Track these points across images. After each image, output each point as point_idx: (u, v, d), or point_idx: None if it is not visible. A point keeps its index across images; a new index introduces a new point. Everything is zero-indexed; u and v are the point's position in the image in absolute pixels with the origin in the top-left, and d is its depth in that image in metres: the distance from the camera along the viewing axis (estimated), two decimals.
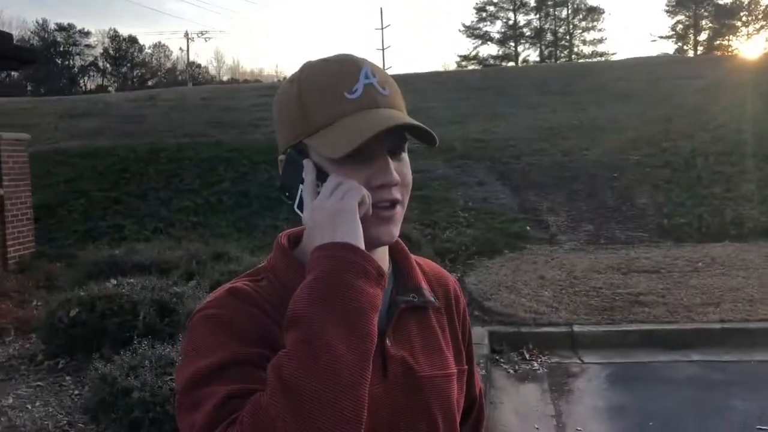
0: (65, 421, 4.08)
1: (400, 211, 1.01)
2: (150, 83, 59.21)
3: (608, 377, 5.28)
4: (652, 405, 4.72)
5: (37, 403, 4.38)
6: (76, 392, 4.54)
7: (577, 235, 9.52)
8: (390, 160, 0.97)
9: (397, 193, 0.99)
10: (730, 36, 55.50)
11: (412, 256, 1.17)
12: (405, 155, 1.02)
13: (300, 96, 0.99)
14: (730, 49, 51.22)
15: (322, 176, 0.96)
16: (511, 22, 60.16)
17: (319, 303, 0.83)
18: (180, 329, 4.66)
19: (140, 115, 17.77)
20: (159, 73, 64.42)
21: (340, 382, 0.79)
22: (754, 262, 7.78)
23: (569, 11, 60.14)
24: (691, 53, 53.66)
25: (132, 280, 5.60)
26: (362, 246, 0.89)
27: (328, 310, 0.82)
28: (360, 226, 0.90)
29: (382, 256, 1.06)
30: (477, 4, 59.72)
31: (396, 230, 1.01)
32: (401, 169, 1.00)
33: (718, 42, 55.24)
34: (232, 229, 10.23)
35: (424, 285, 1.13)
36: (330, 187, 0.93)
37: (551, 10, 60.30)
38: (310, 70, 1.02)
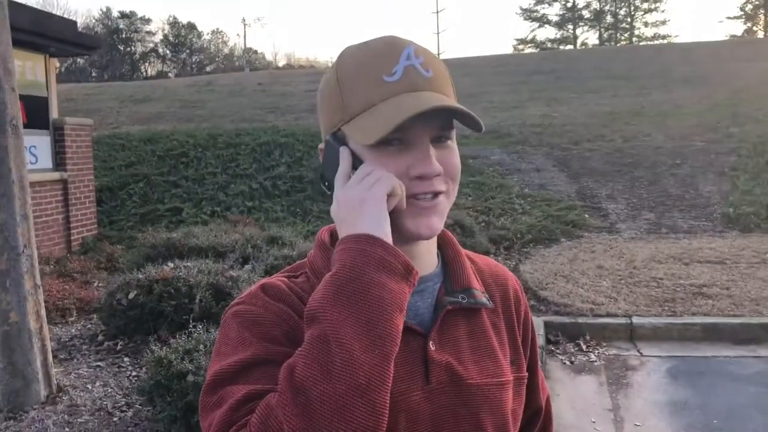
0: (123, 402, 4.17)
1: (444, 203, 0.93)
2: (208, 69, 60.19)
3: (669, 371, 5.11)
4: (717, 401, 4.55)
5: (97, 384, 4.49)
6: (134, 374, 4.64)
7: (637, 224, 9.25)
8: (432, 148, 0.90)
9: (439, 185, 0.91)
10: None
11: (466, 253, 1.09)
12: (452, 143, 0.95)
13: (338, 82, 0.93)
14: None
15: (358, 164, 0.91)
16: (569, 4, 58.74)
17: (335, 300, 0.78)
18: None
19: (199, 101, 18.08)
20: (217, 59, 65.43)
21: (355, 385, 0.74)
22: None
23: None
24: (761, 34, 51.43)
25: (189, 264, 5.67)
26: (388, 238, 0.83)
27: (345, 308, 0.77)
28: (386, 217, 0.84)
29: (426, 252, 1.00)
30: None
31: (438, 222, 0.93)
32: (446, 157, 0.93)
33: None
34: (286, 214, 10.32)
35: (477, 285, 1.04)
36: (359, 176, 0.88)
37: None
38: (349, 54, 0.96)
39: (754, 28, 54.69)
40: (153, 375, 3.70)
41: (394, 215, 0.88)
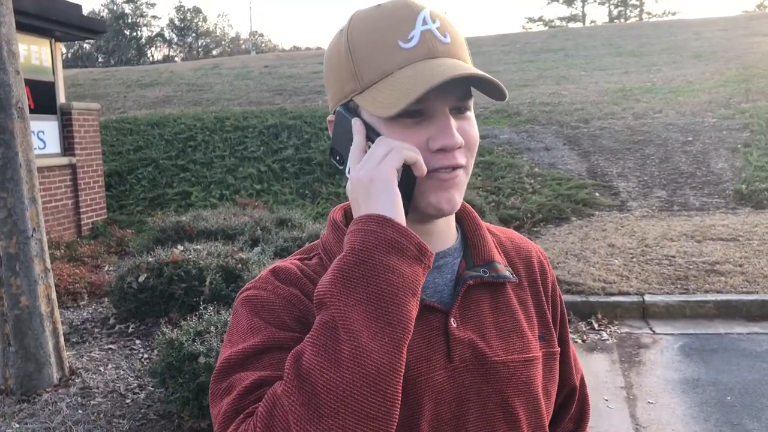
0: (135, 384, 4.19)
1: (462, 176, 0.88)
2: (214, 53, 60.03)
3: (682, 349, 5.08)
4: (730, 378, 4.51)
5: (109, 366, 4.51)
6: (146, 356, 4.66)
7: (648, 202, 9.17)
8: (452, 119, 0.85)
9: (460, 157, 0.86)
10: None
11: (486, 225, 1.04)
12: (470, 113, 0.89)
13: (349, 48, 0.87)
14: None
15: (373, 136, 0.85)
16: None
17: (344, 284, 0.74)
18: None
19: (206, 84, 18.04)
20: (223, 43, 65.23)
21: (364, 374, 0.70)
22: None
23: None
24: None
25: (198, 246, 5.68)
26: (400, 218, 0.78)
27: (353, 293, 0.73)
28: (398, 194, 0.79)
29: (445, 228, 0.95)
30: None
31: (459, 196, 0.88)
32: (466, 128, 0.87)
33: None
34: (295, 196, 10.30)
35: (499, 258, 0.99)
36: (370, 151, 0.82)
37: None
38: (360, 18, 0.89)
39: (765, 3, 53.93)
40: (164, 357, 3.70)
41: (415, 189, 0.85)
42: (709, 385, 4.45)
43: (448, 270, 0.94)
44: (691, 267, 6.40)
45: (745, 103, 12.30)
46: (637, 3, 58.27)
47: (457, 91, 0.85)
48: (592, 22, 57.02)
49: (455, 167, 0.86)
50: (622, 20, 55.00)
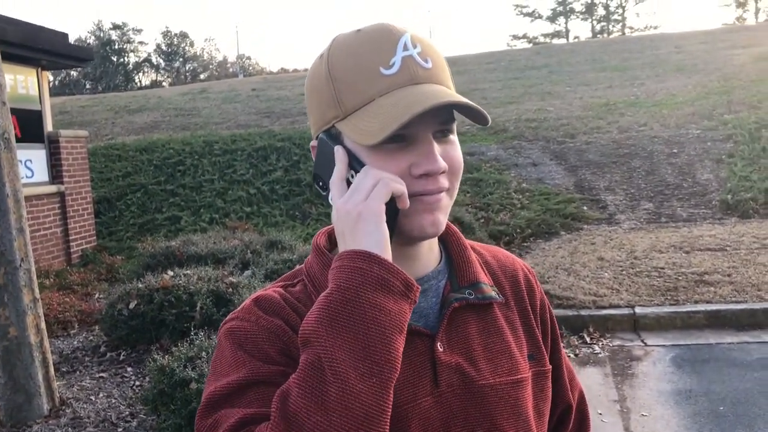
0: (127, 413, 4.16)
1: (446, 198, 0.88)
2: (202, 77, 60.19)
3: (673, 360, 5.10)
4: (722, 389, 4.53)
5: (101, 395, 4.48)
6: (138, 383, 4.63)
7: (636, 214, 9.24)
8: (435, 144, 0.84)
9: (443, 181, 0.86)
10: None
11: (471, 244, 1.03)
12: (453, 137, 0.89)
13: (329, 74, 0.86)
14: None
15: (355, 164, 0.84)
16: None
17: (329, 323, 0.73)
18: None
19: (194, 108, 18.08)
20: (210, 66, 65.44)
21: (352, 417, 0.70)
22: None
23: None
24: (752, 21, 51.44)
25: (188, 271, 5.67)
26: (387, 254, 0.77)
27: (340, 333, 0.72)
28: (385, 230, 0.78)
29: (429, 250, 0.94)
30: None
31: (443, 219, 0.87)
32: (449, 152, 0.87)
33: None
34: (285, 218, 10.31)
35: (484, 278, 0.98)
36: (356, 182, 0.81)
37: None
38: (341, 43, 0.88)
39: (744, 15, 54.76)
40: (156, 384, 3.69)
41: (397, 219, 0.84)
42: (701, 395, 4.47)
43: (432, 293, 0.93)
44: (680, 278, 6.44)
45: (728, 114, 12.44)
46: (620, 18, 59.03)
47: (439, 116, 0.84)
48: (575, 38, 57.64)
49: (438, 192, 0.85)
50: (605, 35, 55.63)
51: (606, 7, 59.34)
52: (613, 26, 59.10)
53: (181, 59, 63.28)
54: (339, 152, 0.85)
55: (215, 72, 62.73)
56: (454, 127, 0.89)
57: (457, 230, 1.01)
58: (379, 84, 0.83)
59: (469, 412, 0.89)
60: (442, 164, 0.84)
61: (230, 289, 5.30)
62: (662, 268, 6.77)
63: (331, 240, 0.97)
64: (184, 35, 63.54)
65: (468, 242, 1.02)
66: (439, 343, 0.89)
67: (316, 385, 0.71)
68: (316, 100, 0.89)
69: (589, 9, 59.20)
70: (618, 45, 23.71)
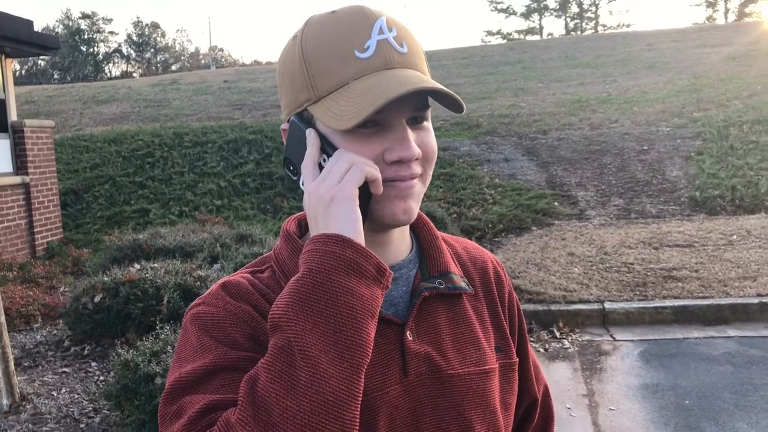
0: (90, 408, 4.07)
1: (419, 185, 0.86)
2: (174, 68, 59.45)
3: (641, 354, 5.14)
4: (688, 383, 4.58)
5: (63, 390, 4.38)
6: (102, 378, 4.54)
7: (606, 210, 9.32)
8: (409, 131, 0.83)
9: (417, 168, 0.85)
10: (762, 1, 53.89)
11: (442, 235, 1.02)
12: (427, 123, 0.88)
13: (303, 56, 0.84)
14: (761, 16, 49.82)
15: (328, 148, 0.83)
16: None
17: (300, 307, 0.71)
18: None
19: (164, 99, 17.83)
20: (182, 58, 64.67)
21: (322, 402, 0.68)
22: None
23: None
24: (721, 21, 52.27)
25: (156, 265, 5.58)
26: (359, 238, 0.76)
27: (311, 317, 0.71)
28: (358, 214, 0.77)
29: (400, 238, 0.93)
30: None
31: (415, 206, 0.86)
32: (423, 138, 0.86)
33: (749, 9, 53.72)
34: (256, 211, 10.22)
35: (454, 269, 0.97)
36: (329, 166, 0.80)
37: None
38: (315, 25, 0.86)
39: (714, 15, 55.61)
40: (120, 379, 3.61)
41: (370, 205, 0.83)
42: (668, 389, 4.51)
43: (403, 282, 0.92)
44: (649, 274, 6.50)
45: (697, 112, 12.61)
46: (593, 16, 59.52)
47: (413, 102, 0.83)
48: (549, 34, 58.04)
49: (411, 178, 0.84)
50: (579, 32, 56.12)
51: (579, 4, 59.79)
52: (587, 24, 59.59)
53: (152, 50, 62.43)
54: (311, 135, 0.83)
55: (187, 63, 62.01)
56: (428, 113, 0.87)
57: (429, 220, 1.00)
58: (353, 67, 0.81)
59: (437, 401, 0.88)
60: (416, 150, 0.83)
61: (198, 283, 5.22)
62: (631, 264, 6.83)
63: (301, 227, 0.95)
64: (155, 26, 62.64)
65: (439, 233, 1.01)
66: (408, 332, 0.88)
67: (286, 370, 0.69)
68: (289, 82, 0.87)
69: (563, 6, 59.60)
70: (591, 42, 23.91)
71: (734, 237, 7.57)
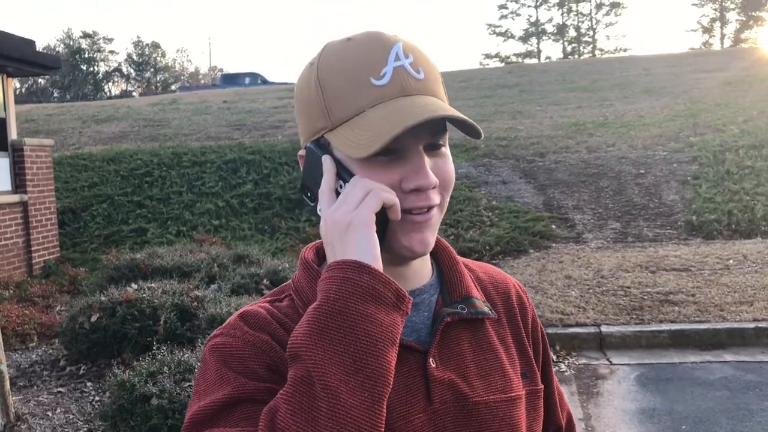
0: (85, 429, 4.06)
1: (437, 216, 0.86)
2: (173, 87, 59.74)
3: (638, 379, 5.14)
4: (684, 407, 4.57)
5: (58, 410, 4.36)
6: (97, 399, 4.53)
7: (603, 233, 9.34)
8: (426, 158, 0.83)
9: (434, 197, 0.84)
10: (758, 28, 54.47)
11: (463, 260, 1.01)
12: (445, 149, 0.87)
13: (319, 83, 0.84)
14: (757, 42, 50.29)
15: (344, 174, 0.83)
16: (533, 19, 59.70)
17: (319, 336, 0.70)
18: (200, 334, 4.61)
19: (163, 119, 17.90)
20: (182, 77, 65.01)
21: None
22: None
23: (592, 6, 59.49)
24: (717, 46, 52.77)
25: (153, 285, 5.58)
26: (377, 264, 0.75)
27: (330, 346, 0.70)
28: (375, 240, 0.76)
29: (420, 266, 0.92)
30: (500, 1, 59.38)
31: (432, 238, 0.86)
32: (440, 166, 0.85)
33: (745, 35, 54.27)
34: (254, 232, 10.22)
35: (476, 293, 0.96)
36: (346, 192, 0.80)
37: (573, 5, 59.65)
38: (331, 52, 0.86)
39: (710, 41, 56.15)
40: (116, 399, 3.60)
41: (388, 230, 0.82)
42: (665, 414, 4.50)
43: (425, 307, 0.91)
44: (645, 297, 6.51)
45: (693, 136, 12.69)
46: (590, 40, 60.07)
47: (430, 129, 0.82)
48: (547, 58, 58.48)
49: (428, 207, 0.84)
50: (576, 56, 56.57)
51: (577, 29, 60.38)
52: (584, 48, 60.11)
53: (152, 69, 62.77)
54: (326, 162, 0.83)
55: (187, 83, 62.32)
56: (446, 139, 0.87)
57: (448, 245, 1.00)
58: (370, 95, 0.81)
59: (463, 430, 0.86)
60: (433, 179, 0.82)
61: (195, 303, 5.22)
62: (628, 287, 6.84)
63: (319, 255, 0.94)
64: (155, 45, 63.06)
65: (460, 258, 1.00)
66: (431, 359, 0.87)
67: (306, 401, 0.68)
68: (305, 109, 0.87)
69: (561, 30, 60.16)
70: (588, 66, 24.11)
71: (731, 261, 7.60)
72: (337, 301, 0.72)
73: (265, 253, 7.91)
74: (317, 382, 0.69)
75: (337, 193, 0.82)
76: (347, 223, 0.76)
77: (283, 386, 0.73)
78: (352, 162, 0.82)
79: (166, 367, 3.66)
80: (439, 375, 0.86)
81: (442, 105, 0.82)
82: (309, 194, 0.88)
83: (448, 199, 0.88)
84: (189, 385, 3.45)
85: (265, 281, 5.88)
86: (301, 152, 0.90)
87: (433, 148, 0.85)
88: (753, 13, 53.70)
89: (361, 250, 0.75)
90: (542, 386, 0.99)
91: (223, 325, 0.87)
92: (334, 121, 0.83)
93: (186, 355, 3.86)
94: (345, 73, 0.82)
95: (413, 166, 0.82)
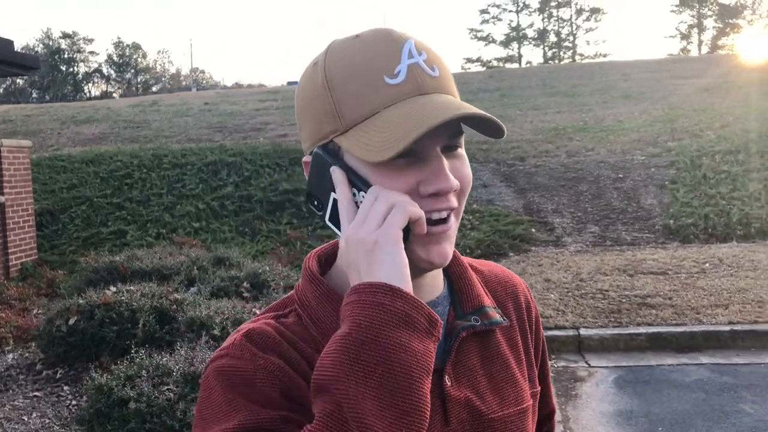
0: None
1: (454, 224, 0.81)
2: (154, 89, 59.33)
3: (616, 381, 5.19)
4: (661, 409, 4.63)
5: (34, 415, 4.32)
6: (74, 403, 4.49)
7: (582, 237, 9.43)
8: (445, 161, 0.78)
9: (453, 200, 0.79)
10: (735, 35, 55.32)
11: (468, 261, 0.96)
12: (461, 150, 0.83)
13: (327, 83, 0.78)
14: (734, 48, 51.06)
15: (358, 182, 0.77)
16: (514, 24, 60.13)
17: (351, 367, 0.65)
18: (179, 337, 4.59)
19: (144, 121, 17.78)
20: (163, 79, 64.60)
21: None
22: (762, 262, 7.67)
23: (572, 12, 60.05)
24: (695, 53, 53.46)
25: (132, 288, 5.54)
26: (408, 286, 0.69)
27: (363, 378, 0.64)
28: (405, 259, 0.71)
29: (434, 277, 0.87)
30: (481, 6, 59.73)
31: (450, 248, 0.81)
32: (459, 168, 0.80)
33: (722, 41, 55.08)
34: (235, 234, 10.18)
35: (488, 301, 0.91)
36: (366, 207, 0.74)
37: (554, 11, 60.17)
38: (338, 50, 0.80)
39: (688, 47, 56.90)
40: (93, 403, 3.58)
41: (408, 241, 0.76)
42: (641, 416, 4.55)
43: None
44: (623, 300, 6.58)
45: (671, 141, 12.85)
46: (571, 45, 60.61)
47: (448, 129, 0.77)
48: (527, 63, 58.95)
49: (448, 211, 0.79)
50: (557, 61, 57.02)
51: (558, 34, 60.91)
52: (564, 53, 60.67)
53: (132, 70, 62.30)
54: (336, 173, 0.78)
55: (168, 85, 61.92)
56: (462, 140, 0.83)
57: (455, 250, 0.92)
58: (384, 94, 0.76)
59: None
60: (455, 183, 0.78)
61: (174, 306, 5.19)
62: (607, 291, 6.90)
63: (321, 262, 0.88)
64: (136, 46, 62.65)
65: (465, 260, 0.96)
66: (447, 377, 0.83)
67: None
68: (311, 111, 0.81)
69: (542, 36, 60.64)
70: (568, 71, 24.32)
71: (707, 265, 7.70)
72: (369, 329, 0.66)
73: (246, 256, 7.88)
74: (351, 419, 0.63)
75: (355, 204, 0.78)
76: (373, 242, 0.71)
77: (298, 413, 0.70)
78: (365, 167, 0.77)
79: (144, 371, 3.64)
80: (455, 394, 0.83)
81: (461, 103, 0.78)
82: (316, 203, 0.83)
83: (464, 204, 0.83)
84: (167, 389, 3.43)
85: (245, 284, 5.86)
86: (306, 158, 0.84)
87: (449, 149, 0.80)
88: (729, 21, 54.52)
89: (390, 272, 0.69)
90: (539, 388, 0.97)
91: (226, 344, 0.80)
92: (345, 124, 0.77)
93: (165, 359, 3.84)
94: (356, 72, 0.77)
95: (432, 168, 0.77)
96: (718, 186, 10.57)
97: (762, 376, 5.09)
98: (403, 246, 0.71)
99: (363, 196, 0.76)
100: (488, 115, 0.76)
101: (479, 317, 0.88)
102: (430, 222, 0.77)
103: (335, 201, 0.78)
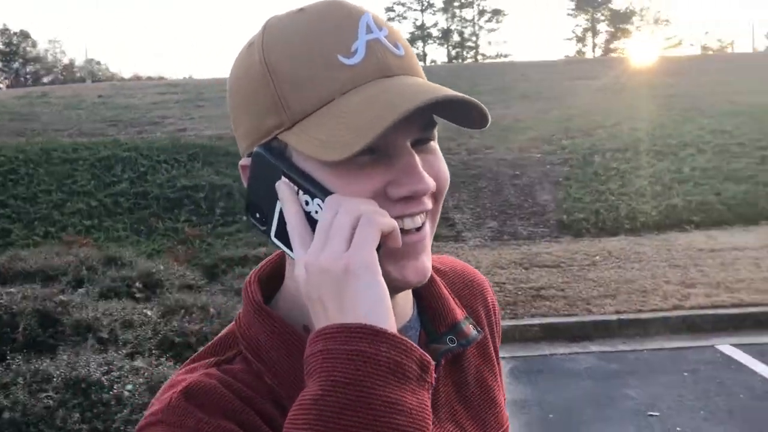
0: None
1: (429, 232, 0.66)
2: (45, 80, 56.36)
3: (511, 371, 5.33)
4: (554, 397, 4.79)
5: None
6: None
7: (481, 232, 9.66)
8: (417, 157, 0.63)
9: (428, 202, 0.65)
10: (625, 39, 58.36)
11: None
12: (434, 144, 0.68)
13: (267, 68, 0.63)
14: (624, 52, 53.86)
15: (311, 188, 0.62)
16: (419, 23, 60.99)
17: None
18: (63, 341, 4.36)
19: (31, 113, 16.84)
20: (55, 70, 61.46)
21: None
22: (646, 254, 8.11)
23: (475, 12, 61.53)
24: (590, 55, 56.02)
25: (12, 290, 5.21)
26: (392, 323, 0.55)
27: None
28: (385, 288, 0.56)
29: (404, 302, 0.73)
30: (387, 4, 60.34)
31: (429, 262, 0.66)
32: (433, 164, 0.66)
33: (614, 45, 57.99)
34: (129, 232, 9.80)
35: (460, 314, 0.77)
36: (326, 222, 0.58)
37: (457, 11, 61.45)
38: (279, 27, 0.65)
39: (584, 50, 59.56)
40: None
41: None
42: (535, 405, 4.70)
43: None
44: (519, 293, 6.78)
45: (565, 139, 13.39)
46: (473, 45, 62.09)
47: (419, 120, 0.63)
48: (432, 62, 59.91)
49: (423, 216, 0.65)
50: (460, 60, 58.30)
51: (461, 33, 62.23)
52: (468, 52, 62.08)
53: (21, 60, 58.92)
54: (282, 189, 0.62)
55: (60, 76, 58.95)
56: (436, 132, 0.68)
57: None
58: (340, 77, 0.61)
59: None
60: (431, 182, 0.63)
61: (59, 308, 4.92)
62: (503, 284, 7.09)
63: (262, 285, 0.71)
64: (25, 35, 59.24)
65: None
66: None
67: None
68: (247, 103, 0.65)
69: (446, 35, 61.80)
70: (469, 71, 24.92)
71: (597, 258, 8.05)
72: (350, 388, 0.51)
73: (140, 255, 7.60)
74: None
75: (308, 218, 0.62)
76: (341, 270, 0.55)
77: None
78: (319, 168, 0.62)
79: (20, 378, 3.42)
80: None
81: (437, 86, 0.63)
82: (258, 215, 0.66)
83: (440, 207, 0.68)
84: (46, 396, 3.24)
85: (137, 284, 5.64)
86: (244, 161, 0.68)
87: (421, 143, 0.66)
88: (620, 26, 57.45)
89: (369, 308, 0.54)
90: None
91: (163, 405, 0.62)
92: (291, 116, 0.62)
93: (45, 364, 3.62)
94: (302, 51, 0.62)
95: (403, 166, 0.62)
96: (608, 182, 11.10)
97: (644, 362, 5.37)
98: (380, 270, 0.56)
99: (319, 205, 0.61)
100: (474, 100, 0.62)
101: (455, 336, 0.74)
102: (402, 231, 0.62)
103: (282, 213, 0.63)
